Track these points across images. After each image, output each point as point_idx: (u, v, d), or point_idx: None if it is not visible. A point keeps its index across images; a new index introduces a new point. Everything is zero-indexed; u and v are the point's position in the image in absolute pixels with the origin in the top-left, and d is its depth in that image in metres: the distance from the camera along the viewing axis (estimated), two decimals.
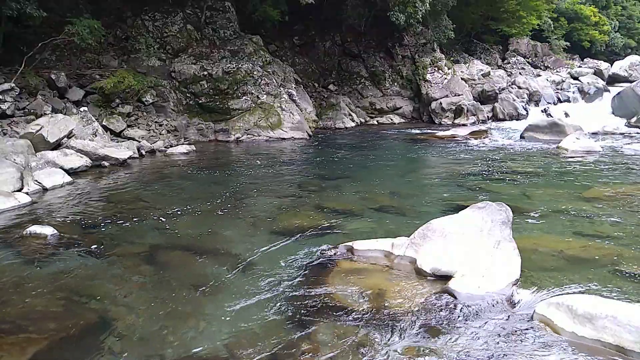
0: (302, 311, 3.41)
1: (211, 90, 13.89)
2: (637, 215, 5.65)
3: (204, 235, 5.20)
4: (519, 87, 20.95)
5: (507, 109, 18.67)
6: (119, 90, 11.87)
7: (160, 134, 12.29)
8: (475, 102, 18.54)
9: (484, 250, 3.89)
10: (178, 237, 5.11)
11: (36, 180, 7.21)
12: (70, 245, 4.81)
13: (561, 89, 22.13)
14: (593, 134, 13.46)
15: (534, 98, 20.44)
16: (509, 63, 26.54)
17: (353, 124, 17.75)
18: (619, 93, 17.33)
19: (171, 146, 11.64)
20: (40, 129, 8.64)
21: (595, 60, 29.91)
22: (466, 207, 4.48)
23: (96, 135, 10.15)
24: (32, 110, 9.93)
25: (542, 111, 18.93)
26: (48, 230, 5.04)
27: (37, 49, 10.79)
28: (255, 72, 14.57)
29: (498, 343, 2.96)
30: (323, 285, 3.80)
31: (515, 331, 3.08)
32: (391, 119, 19.17)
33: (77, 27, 10.76)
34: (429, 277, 3.85)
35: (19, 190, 6.73)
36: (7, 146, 7.54)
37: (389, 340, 3.02)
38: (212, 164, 9.99)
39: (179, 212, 6.03)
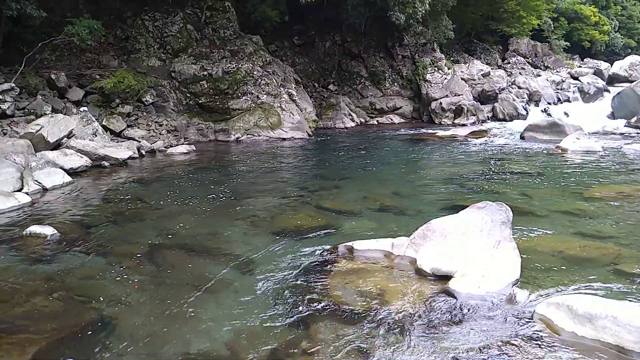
0: (302, 311, 3.41)
1: (211, 90, 13.89)
2: (637, 215, 5.65)
3: (203, 235, 5.20)
4: (519, 87, 20.92)
5: (507, 109, 18.65)
6: (119, 90, 11.87)
7: (160, 134, 12.29)
8: (475, 102, 18.53)
9: (484, 250, 3.89)
10: (178, 237, 5.10)
11: (36, 180, 7.21)
12: (70, 245, 4.81)
13: (561, 89, 22.11)
14: (593, 134, 13.45)
15: (534, 98, 20.41)
16: (509, 63, 26.51)
17: (353, 124, 17.75)
18: (619, 93, 17.30)
19: (171, 146, 11.64)
20: (40, 129, 8.64)
21: (595, 60, 29.89)
22: (466, 207, 4.48)
23: (96, 135, 10.16)
24: (32, 110, 9.93)
25: (542, 111, 18.90)
26: (48, 230, 5.04)
27: (37, 49, 10.79)
28: (255, 72, 14.58)
29: (498, 343, 2.95)
30: (323, 285, 3.80)
31: (516, 331, 3.08)
32: (391, 119, 19.15)
33: (76, 28, 10.76)
34: (429, 277, 3.85)
35: (19, 190, 6.73)
36: (7, 146, 7.55)
37: (388, 340, 3.02)
38: (212, 164, 9.99)
39: (179, 212, 6.03)
